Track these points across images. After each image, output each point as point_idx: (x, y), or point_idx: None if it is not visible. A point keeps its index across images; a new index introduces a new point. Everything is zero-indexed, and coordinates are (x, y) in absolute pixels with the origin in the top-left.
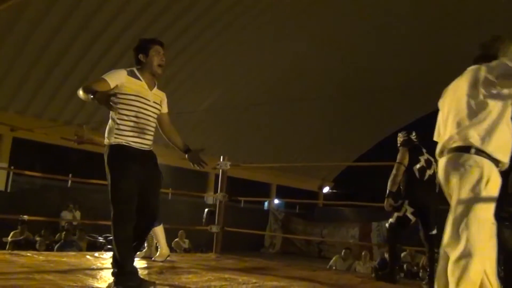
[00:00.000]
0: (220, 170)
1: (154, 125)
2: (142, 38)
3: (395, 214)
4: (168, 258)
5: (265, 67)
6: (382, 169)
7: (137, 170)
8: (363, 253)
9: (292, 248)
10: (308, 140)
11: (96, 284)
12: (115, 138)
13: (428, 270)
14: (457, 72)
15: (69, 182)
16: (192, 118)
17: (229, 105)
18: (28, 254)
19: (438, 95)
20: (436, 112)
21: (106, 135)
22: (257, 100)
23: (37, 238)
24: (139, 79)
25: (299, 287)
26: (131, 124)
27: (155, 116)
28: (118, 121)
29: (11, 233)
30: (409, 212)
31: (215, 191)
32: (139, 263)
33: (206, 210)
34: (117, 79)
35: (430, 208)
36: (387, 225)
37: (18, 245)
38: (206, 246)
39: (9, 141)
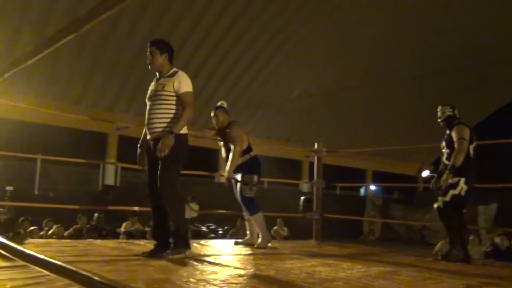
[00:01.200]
0: (316, 157)
1: (158, 111)
2: None
3: (450, 192)
4: (269, 245)
5: (356, 49)
6: (485, 149)
7: (148, 159)
8: (471, 238)
9: (392, 235)
10: (405, 123)
11: (206, 269)
12: None
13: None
14: None
15: None
16: (284, 106)
17: (320, 91)
18: (141, 242)
19: None
20: None
21: None
22: (348, 84)
23: (147, 228)
24: (153, 80)
25: (408, 272)
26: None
27: (157, 102)
28: None
29: (123, 224)
30: (463, 190)
31: (310, 179)
32: (242, 250)
33: (302, 198)
34: None
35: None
36: (436, 205)
37: (130, 235)
38: (305, 234)
39: (115, 139)
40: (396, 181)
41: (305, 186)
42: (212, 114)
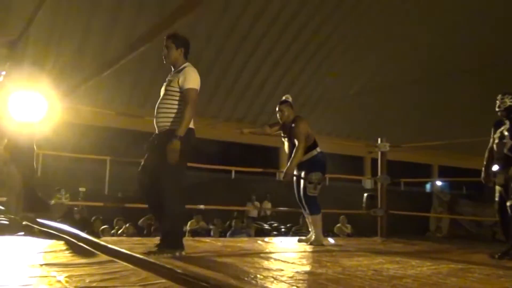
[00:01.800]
0: (379, 152)
1: (166, 105)
2: None
3: None
4: (325, 243)
5: (417, 42)
6: None
7: (146, 151)
8: None
9: (461, 232)
10: (472, 114)
11: (271, 266)
12: None
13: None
14: None
15: (233, 173)
16: (344, 102)
17: (381, 85)
18: (207, 240)
19: None
20: None
21: None
22: (410, 77)
23: (211, 227)
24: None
25: (480, 270)
26: None
27: (164, 97)
28: None
29: (188, 223)
30: None
31: (372, 175)
32: (306, 247)
33: (365, 194)
34: None
35: None
36: (510, 203)
37: (196, 233)
38: (369, 231)
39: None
40: (464, 176)
41: (367, 183)
42: (277, 109)
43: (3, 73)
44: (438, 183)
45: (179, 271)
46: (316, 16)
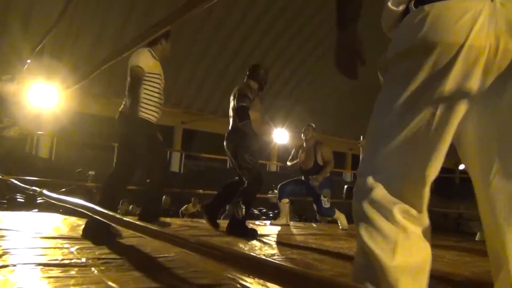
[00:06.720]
0: (361, 148)
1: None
2: None
3: None
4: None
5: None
6: None
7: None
8: None
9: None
10: None
11: (264, 246)
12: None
13: None
14: None
15: (228, 164)
16: (330, 102)
17: (365, 88)
18: (203, 221)
19: None
20: None
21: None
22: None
23: None
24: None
25: (450, 256)
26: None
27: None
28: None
29: (185, 206)
30: None
31: (352, 169)
32: (294, 230)
33: (345, 186)
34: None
35: None
36: None
37: (193, 215)
38: (348, 219)
39: (180, 132)
40: None
41: (348, 176)
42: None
43: (28, 61)
44: None
45: (192, 241)
46: (305, 28)
